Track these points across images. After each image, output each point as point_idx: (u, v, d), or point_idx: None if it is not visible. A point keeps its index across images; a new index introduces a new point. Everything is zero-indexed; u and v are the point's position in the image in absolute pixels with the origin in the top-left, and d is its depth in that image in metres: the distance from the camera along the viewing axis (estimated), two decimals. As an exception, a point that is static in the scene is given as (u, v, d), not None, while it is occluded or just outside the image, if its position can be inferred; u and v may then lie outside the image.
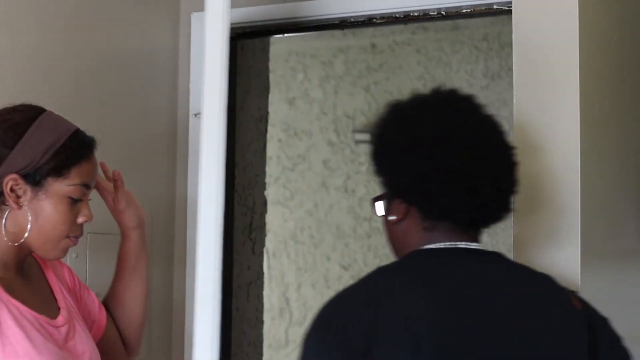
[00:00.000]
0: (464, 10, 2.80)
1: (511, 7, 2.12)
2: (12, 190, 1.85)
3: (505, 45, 4.94)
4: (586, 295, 1.95)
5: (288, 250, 5.35)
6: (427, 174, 1.61)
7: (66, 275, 2.06)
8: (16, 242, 1.87)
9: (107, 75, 2.69)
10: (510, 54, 2.12)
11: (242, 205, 3.26)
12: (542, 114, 2.03)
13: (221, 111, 2.29)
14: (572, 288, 1.95)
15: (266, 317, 3.19)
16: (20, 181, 1.85)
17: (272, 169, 4.68)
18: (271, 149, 3.46)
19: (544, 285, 1.67)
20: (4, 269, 1.88)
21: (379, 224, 1.87)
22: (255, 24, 3.06)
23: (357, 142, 5.17)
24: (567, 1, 2.04)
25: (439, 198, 1.61)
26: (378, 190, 1.76)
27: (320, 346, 1.59)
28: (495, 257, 1.69)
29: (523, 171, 2.02)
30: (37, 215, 1.87)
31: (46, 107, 1.93)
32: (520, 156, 2.05)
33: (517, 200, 2.02)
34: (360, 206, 3.52)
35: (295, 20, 3.02)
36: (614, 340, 1.68)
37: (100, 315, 2.09)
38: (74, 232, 1.91)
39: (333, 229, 3.55)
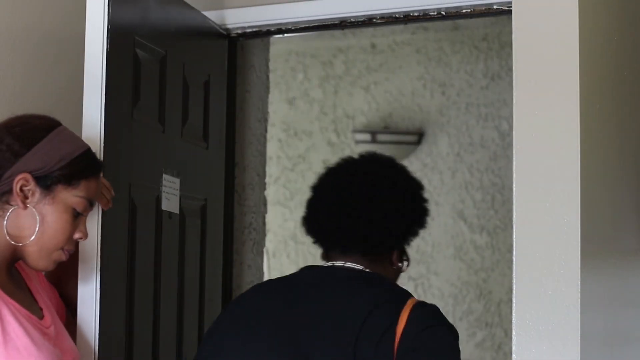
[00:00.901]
0: (464, 10, 2.80)
1: (511, 7, 2.12)
2: (21, 189, 1.87)
3: (505, 45, 4.95)
4: (586, 295, 1.95)
5: (288, 250, 5.35)
6: (312, 210, 2.04)
7: (40, 277, 2.09)
8: (20, 243, 1.89)
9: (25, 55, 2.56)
10: (510, 54, 2.12)
11: (242, 205, 3.26)
12: (542, 114, 2.03)
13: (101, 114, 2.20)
14: (572, 287, 1.96)
15: (266, 317, 3.19)
16: (31, 182, 1.88)
17: (272, 169, 4.68)
18: (271, 149, 3.46)
19: (357, 294, 1.91)
20: None
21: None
22: (255, 23, 3.06)
23: (357, 142, 5.17)
24: (567, 1, 2.04)
25: (317, 229, 2.03)
26: None
27: None
28: (346, 271, 1.96)
29: (523, 171, 2.03)
30: (40, 219, 1.89)
31: None
32: (521, 156, 2.05)
33: (517, 200, 2.03)
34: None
35: (295, 20, 3.02)
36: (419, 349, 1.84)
37: (60, 306, 2.12)
38: (68, 246, 1.94)
39: (333, 229, 3.54)
